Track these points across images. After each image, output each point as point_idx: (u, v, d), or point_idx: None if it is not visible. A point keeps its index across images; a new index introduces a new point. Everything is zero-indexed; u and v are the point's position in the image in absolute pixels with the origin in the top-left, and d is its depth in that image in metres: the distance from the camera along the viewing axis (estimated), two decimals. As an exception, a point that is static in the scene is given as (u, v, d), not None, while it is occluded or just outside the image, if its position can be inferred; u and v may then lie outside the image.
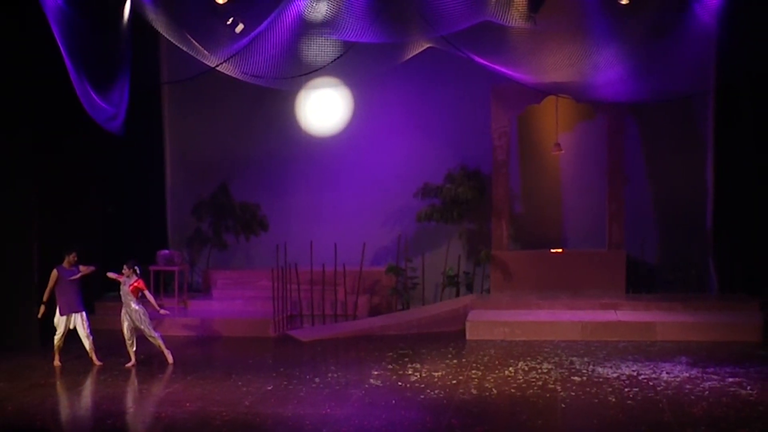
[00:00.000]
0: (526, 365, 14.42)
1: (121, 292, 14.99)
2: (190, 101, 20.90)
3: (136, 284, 14.89)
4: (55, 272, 14.80)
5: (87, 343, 14.87)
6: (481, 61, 15.75)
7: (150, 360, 15.47)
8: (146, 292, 15.04)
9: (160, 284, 19.10)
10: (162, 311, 15.29)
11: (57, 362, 14.79)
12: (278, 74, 15.83)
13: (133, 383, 13.62)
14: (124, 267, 15.01)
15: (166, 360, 14.93)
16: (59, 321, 14.81)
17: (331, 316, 18.67)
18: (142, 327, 14.87)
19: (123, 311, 14.96)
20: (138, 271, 15.08)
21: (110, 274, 15.20)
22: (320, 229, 20.08)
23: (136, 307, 14.87)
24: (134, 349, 14.88)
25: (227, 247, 21.14)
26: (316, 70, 15.74)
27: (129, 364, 14.74)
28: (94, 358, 14.87)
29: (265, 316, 18.00)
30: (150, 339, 15.01)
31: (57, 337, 14.81)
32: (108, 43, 14.94)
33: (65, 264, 14.91)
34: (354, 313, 18.83)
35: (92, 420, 11.65)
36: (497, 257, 19.42)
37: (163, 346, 15.00)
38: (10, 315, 16.13)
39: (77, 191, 18.00)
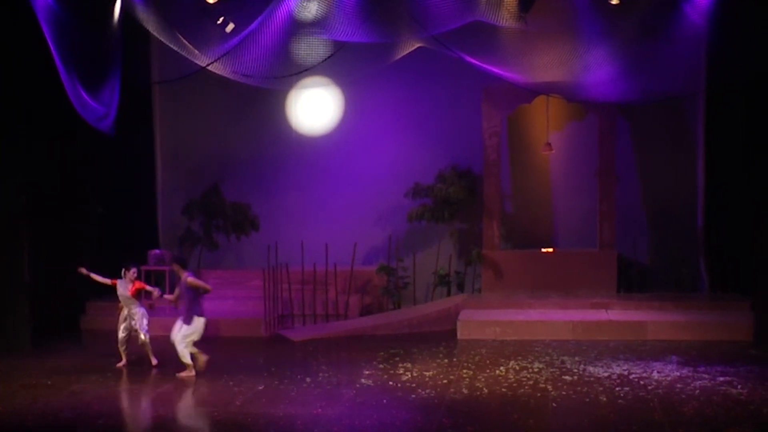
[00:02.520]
0: (518, 365, 14.44)
1: (120, 295, 14.77)
2: (181, 101, 20.88)
3: (137, 286, 14.69)
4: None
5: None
6: (472, 60, 15.76)
7: (141, 360, 15.44)
8: (147, 288, 14.81)
9: (151, 284, 19.00)
10: (156, 293, 14.87)
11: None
12: (269, 74, 15.82)
13: (124, 383, 13.58)
14: (124, 270, 14.77)
15: (151, 362, 14.81)
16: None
17: (323, 316, 18.67)
18: (138, 328, 14.71)
19: (123, 312, 14.77)
20: (138, 274, 14.97)
21: (100, 278, 15.01)
22: (311, 229, 20.09)
23: (138, 310, 14.71)
24: (125, 347, 14.82)
25: (218, 247, 21.13)
26: (307, 70, 15.74)
27: (120, 364, 14.71)
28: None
29: (256, 316, 17.99)
30: (140, 341, 14.84)
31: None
32: (98, 42, 14.89)
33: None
34: (345, 313, 18.83)
35: (83, 420, 11.61)
36: (488, 257, 19.44)
37: (150, 352, 14.82)
38: (2, 316, 16.06)
39: (68, 191, 17.97)
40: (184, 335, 14.01)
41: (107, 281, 14.86)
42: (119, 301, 14.87)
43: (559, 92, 17.42)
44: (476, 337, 16.82)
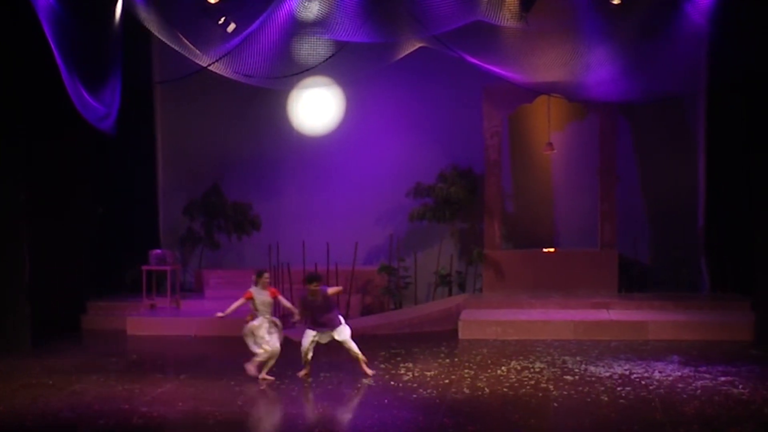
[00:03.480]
0: (519, 364, 14.43)
1: (261, 303, 13.60)
2: (182, 101, 20.88)
3: (273, 291, 13.78)
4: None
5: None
6: (473, 60, 15.77)
7: (142, 360, 15.46)
8: (281, 297, 13.91)
9: (152, 284, 19.07)
10: (296, 318, 14.09)
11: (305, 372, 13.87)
12: (270, 74, 15.82)
13: (125, 383, 13.54)
14: (256, 277, 13.79)
15: (264, 377, 13.65)
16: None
17: (324, 316, 18.64)
18: (265, 335, 13.63)
19: (259, 323, 13.62)
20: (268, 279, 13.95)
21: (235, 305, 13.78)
22: (312, 228, 20.09)
23: (273, 318, 13.76)
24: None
25: (219, 247, 21.14)
26: (308, 70, 15.73)
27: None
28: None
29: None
30: (259, 347, 13.65)
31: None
32: (100, 42, 14.89)
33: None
34: (346, 313, 18.78)
35: (84, 420, 11.61)
36: (489, 257, 19.44)
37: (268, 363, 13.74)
38: (2, 316, 16.04)
39: (68, 191, 17.98)
40: (349, 338, 13.63)
41: (241, 300, 13.67)
42: (251, 313, 13.73)
43: (560, 92, 17.43)
44: (477, 337, 16.82)
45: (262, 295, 13.64)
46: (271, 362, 13.66)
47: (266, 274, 13.87)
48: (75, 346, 16.75)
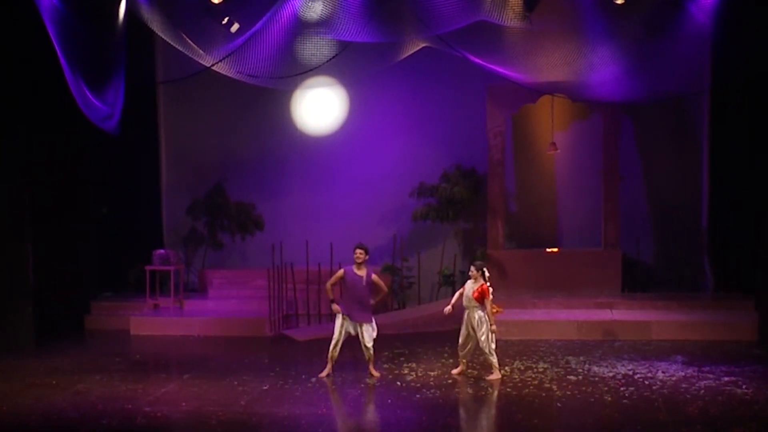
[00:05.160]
0: (522, 364, 14.43)
1: (464, 299, 13.47)
2: (186, 101, 20.89)
3: (480, 289, 13.34)
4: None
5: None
6: (477, 60, 15.77)
7: (145, 360, 15.46)
8: (488, 302, 13.33)
9: (155, 284, 19.07)
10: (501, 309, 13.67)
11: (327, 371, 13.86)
12: (274, 74, 15.83)
13: (129, 383, 13.55)
14: (471, 268, 13.51)
15: (492, 377, 13.50)
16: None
17: (327, 316, 18.65)
18: (482, 338, 13.39)
19: (467, 319, 13.48)
20: (486, 275, 13.47)
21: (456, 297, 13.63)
22: (316, 228, 20.07)
23: (481, 314, 13.38)
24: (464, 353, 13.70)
25: (223, 247, 21.14)
26: (312, 70, 15.74)
27: (458, 371, 13.79)
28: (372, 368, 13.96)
29: (260, 316, 17.99)
30: (486, 349, 13.46)
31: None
32: (103, 42, 14.90)
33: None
34: (350, 313, 18.79)
35: (87, 420, 11.62)
36: (493, 256, 19.42)
37: (495, 363, 13.52)
38: (5, 315, 16.06)
39: (71, 191, 18.00)
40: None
41: (457, 294, 13.66)
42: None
43: (564, 92, 17.42)
44: (481, 337, 16.80)
45: (467, 289, 13.43)
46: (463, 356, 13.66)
47: (472, 268, 13.46)
48: (78, 346, 16.75)
